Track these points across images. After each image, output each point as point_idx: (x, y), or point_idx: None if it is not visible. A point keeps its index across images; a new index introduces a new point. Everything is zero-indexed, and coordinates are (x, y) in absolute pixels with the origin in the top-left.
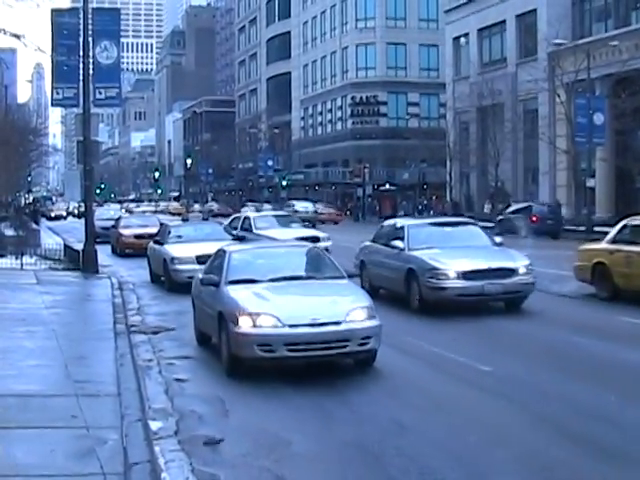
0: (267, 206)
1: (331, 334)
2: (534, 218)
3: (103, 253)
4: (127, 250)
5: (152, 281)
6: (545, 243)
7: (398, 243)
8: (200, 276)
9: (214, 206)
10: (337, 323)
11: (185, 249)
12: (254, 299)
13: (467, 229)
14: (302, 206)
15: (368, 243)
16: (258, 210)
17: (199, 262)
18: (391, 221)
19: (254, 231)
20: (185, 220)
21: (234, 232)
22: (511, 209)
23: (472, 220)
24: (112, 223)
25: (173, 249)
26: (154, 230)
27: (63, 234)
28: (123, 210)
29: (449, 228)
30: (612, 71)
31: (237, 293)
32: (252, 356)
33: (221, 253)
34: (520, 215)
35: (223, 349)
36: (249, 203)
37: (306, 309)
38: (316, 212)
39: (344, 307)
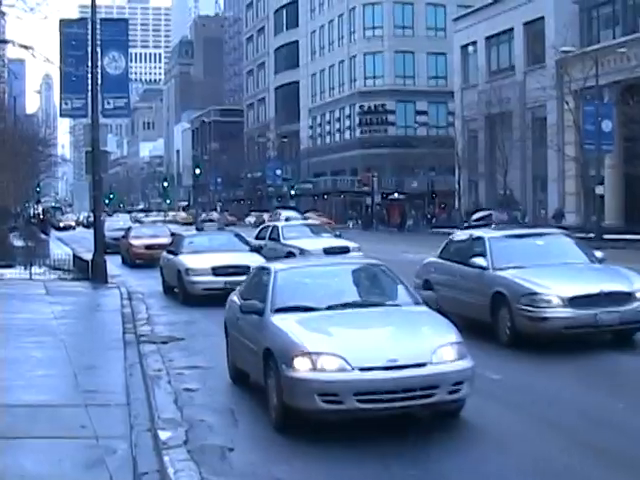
0: (266, 216)
1: (415, 380)
2: (493, 225)
3: (113, 264)
4: (138, 260)
5: (165, 292)
6: None
7: (479, 260)
8: (236, 300)
9: (214, 215)
10: (421, 365)
11: (200, 260)
12: (312, 334)
13: (559, 241)
14: (286, 214)
15: (433, 259)
16: (258, 219)
17: (215, 274)
18: (464, 232)
19: (282, 241)
20: (200, 229)
21: (252, 242)
22: (475, 217)
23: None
24: (122, 233)
25: (188, 260)
26: (165, 240)
27: (72, 244)
28: (132, 220)
29: (538, 240)
30: (620, 78)
31: (289, 325)
32: (311, 408)
33: (263, 271)
34: (509, 218)
35: (271, 396)
36: (252, 213)
37: (380, 347)
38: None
39: (429, 343)
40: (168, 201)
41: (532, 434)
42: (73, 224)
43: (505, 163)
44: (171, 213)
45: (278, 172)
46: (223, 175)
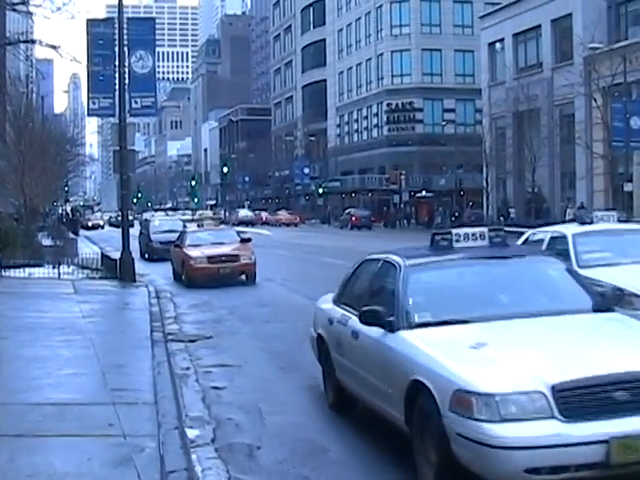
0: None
1: None
2: (354, 218)
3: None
4: (199, 279)
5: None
6: (365, 233)
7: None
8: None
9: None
10: None
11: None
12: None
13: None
14: (243, 212)
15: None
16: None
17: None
18: None
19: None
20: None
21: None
22: (347, 212)
23: None
24: (172, 237)
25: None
26: (231, 249)
27: (101, 243)
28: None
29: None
30: None
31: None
32: None
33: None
34: (368, 214)
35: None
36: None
37: None
38: (253, 216)
39: None
40: (196, 200)
41: None
42: (101, 223)
43: (533, 160)
44: (199, 212)
45: (306, 171)
46: (251, 174)
